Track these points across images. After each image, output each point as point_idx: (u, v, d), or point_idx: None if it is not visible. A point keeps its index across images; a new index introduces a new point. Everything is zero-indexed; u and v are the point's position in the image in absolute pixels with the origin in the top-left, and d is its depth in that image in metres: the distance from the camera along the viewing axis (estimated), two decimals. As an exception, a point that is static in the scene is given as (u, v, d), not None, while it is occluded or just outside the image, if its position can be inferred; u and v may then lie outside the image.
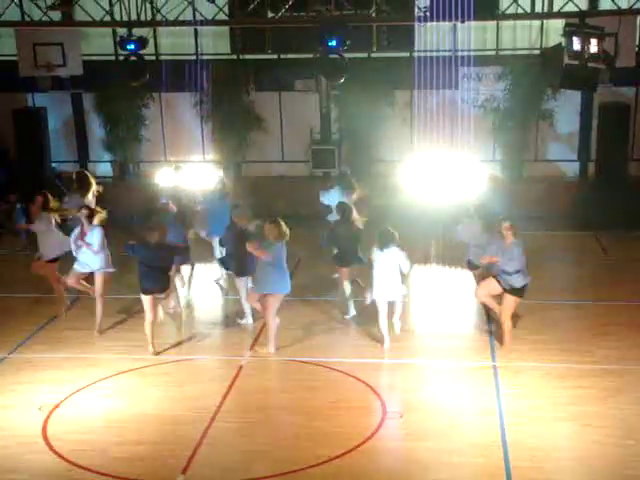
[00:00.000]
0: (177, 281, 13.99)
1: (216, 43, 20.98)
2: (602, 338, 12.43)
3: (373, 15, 17.94)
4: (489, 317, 13.14)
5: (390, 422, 10.10)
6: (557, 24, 17.44)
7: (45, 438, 9.80)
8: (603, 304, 14.09)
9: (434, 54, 20.64)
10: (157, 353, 12.15)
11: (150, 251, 11.82)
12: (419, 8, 17.76)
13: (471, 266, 13.48)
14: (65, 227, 13.98)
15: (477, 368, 11.66)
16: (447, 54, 20.72)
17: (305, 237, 17.61)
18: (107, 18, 18.00)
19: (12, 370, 11.81)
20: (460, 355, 12.12)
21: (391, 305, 12.19)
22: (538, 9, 16.57)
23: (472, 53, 20.59)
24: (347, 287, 13.46)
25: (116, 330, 13.28)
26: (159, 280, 11.95)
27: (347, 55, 16.42)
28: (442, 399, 10.71)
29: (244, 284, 13.11)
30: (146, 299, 11.96)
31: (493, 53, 20.65)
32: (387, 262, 11.96)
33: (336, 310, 13.94)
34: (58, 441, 9.72)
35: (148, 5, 17.23)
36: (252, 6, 17.23)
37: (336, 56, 16.30)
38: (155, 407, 10.65)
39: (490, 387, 10.99)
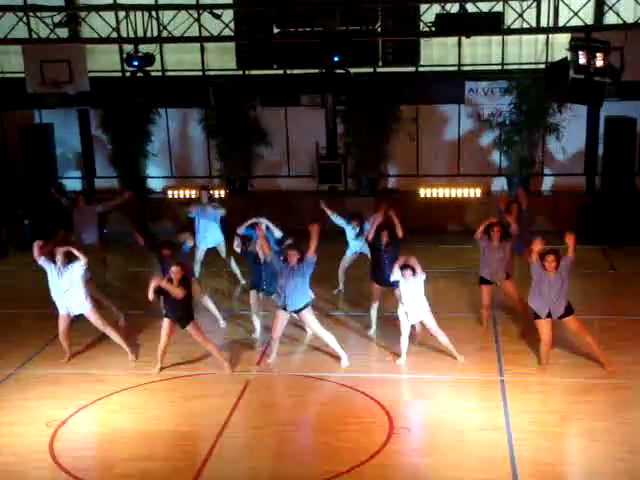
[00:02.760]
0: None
1: (222, 59, 21.06)
2: (610, 352, 12.35)
3: (378, 30, 17.98)
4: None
5: (397, 437, 10.05)
6: (563, 38, 17.47)
7: (52, 454, 9.78)
8: (611, 318, 14.03)
9: (440, 69, 20.74)
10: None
11: None
12: (424, 23, 17.82)
13: (484, 281, 13.39)
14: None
15: (485, 382, 11.62)
16: (453, 69, 20.81)
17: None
18: (114, 35, 18.08)
19: (19, 386, 11.81)
20: (467, 370, 12.07)
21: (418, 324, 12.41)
22: (544, 24, 16.59)
23: (478, 68, 20.67)
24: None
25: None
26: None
27: (353, 70, 16.46)
28: (449, 414, 10.66)
29: (254, 297, 13.39)
30: None
31: (499, 68, 20.68)
32: (411, 288, 11.96)
33: (341, 324, 13.93)
34: (65, 457, 9.70)
35: (154, 22, 17.33)
36: (258, 22, 17.28)
37: (342, 71, 16.34)
38: (162, 423, 10.63)
39: (498, 402, 10.93)
